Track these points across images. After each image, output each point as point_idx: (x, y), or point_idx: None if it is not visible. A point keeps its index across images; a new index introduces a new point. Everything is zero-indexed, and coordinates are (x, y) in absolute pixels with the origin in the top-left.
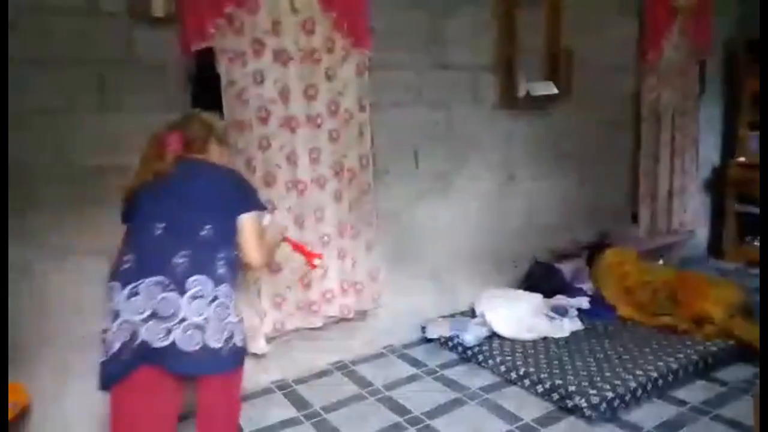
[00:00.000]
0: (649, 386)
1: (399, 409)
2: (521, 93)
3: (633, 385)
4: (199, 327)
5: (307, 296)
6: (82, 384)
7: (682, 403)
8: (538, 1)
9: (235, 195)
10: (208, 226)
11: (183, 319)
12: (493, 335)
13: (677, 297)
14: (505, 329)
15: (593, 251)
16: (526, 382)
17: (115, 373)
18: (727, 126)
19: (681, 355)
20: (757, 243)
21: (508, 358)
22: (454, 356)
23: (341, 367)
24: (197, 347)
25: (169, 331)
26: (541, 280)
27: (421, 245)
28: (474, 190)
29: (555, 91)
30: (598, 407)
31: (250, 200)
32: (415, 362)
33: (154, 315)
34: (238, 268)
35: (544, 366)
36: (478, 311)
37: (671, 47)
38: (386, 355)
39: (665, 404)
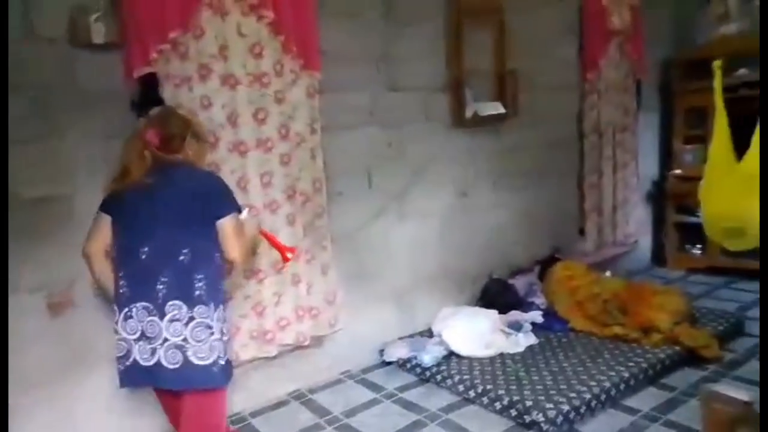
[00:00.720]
0: (603, 397)
1: None
2: (470, 113)
3: (587, 396)
4: (179, 347)
5: (261, 324)
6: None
7: (634, 411)
8: (484, 24)
9: (212, 201)
10: (185, 250)
11: (165, 340)
12: (451, 354)
13: (626, 307)
14: (462, 347)
15: (545, 266)
16: (485, 399)
17: (125, 379)
18: (663, 141)
19: (631, 364)
20: (695, 251)
21: (466, 376)
22: (412, 378)
23: (298, 396)
24: (178, 365)
25: (154, 351)
26: (496, 296)
27: (378, 266)
28: (429, 209)
29: (502, 110)
30: (555, 421)
31: (226, 204)
32: (373, 386)
33: (143, 336)
34: (221, 275)
35: (502, 382)
36: (435, 331)
37: (610, 67)
38: (344, 381)
39: (619, 413)
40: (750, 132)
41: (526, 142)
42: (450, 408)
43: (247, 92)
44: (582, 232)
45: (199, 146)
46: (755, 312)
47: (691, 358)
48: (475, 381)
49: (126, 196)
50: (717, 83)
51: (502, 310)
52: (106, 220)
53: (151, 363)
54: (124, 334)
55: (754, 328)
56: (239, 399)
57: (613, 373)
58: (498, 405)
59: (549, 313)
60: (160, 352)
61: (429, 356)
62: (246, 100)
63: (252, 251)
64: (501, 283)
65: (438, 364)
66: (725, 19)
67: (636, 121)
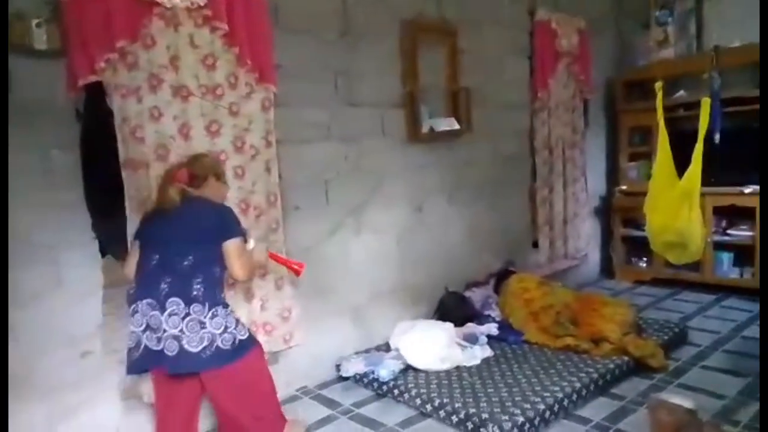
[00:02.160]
0: (556, 407)
1: None
2: (425, 129)
3: (542, 407)
4: (176, 337)
5: None
6: None
7: (586, 421)
8: (438, 42)
9: (220, 226)
10: (189, 257)
11: (164, 331)
12: (408, 368)
13: (577, 318)
14: (419, 361)
15: (500, 278)
16: (441, 413)
17: (132, 366)
18: (610, 157)
19: (583, 375)
20: (641, 264)
21: (423, 390)
22: (369, 393)
23: None
24: (175, 352)
25: (159, 340)
26: (452, 309)
27: (334, 281)
28: (385, 224)
29: (456, 126)
30: None
31: (232, 229)
32: (330, 403)
33: (148, 327)
34: (219, 285)
35: (458, 395)
36: (392, 345)
37: (559, 86)
38: (300, 398)
39: (571, 423)
40: (688, 149)
41: (479, 158)
42: (407, 423)
43: (199, 104)
44: (535, 244)
45: (219, 185)
46: (697, 321)
47: (639, 367)
48: (432, 395)
49: (153, 220)
50: (658, 103)
51: (459, 323)
52: (136, 244)
53: (159, 348)
54: (133, 328)
55: (697, 337)
56: None
57: (565, 384)
58: (455, 418)
59: (504, 325)
60: (163, 342)
61: (386, 370)
62: (199, 111)
63: (255, 271)
64: (457, 296)
65: (395, 378)
66: (664, 44)
67: (584, 139)
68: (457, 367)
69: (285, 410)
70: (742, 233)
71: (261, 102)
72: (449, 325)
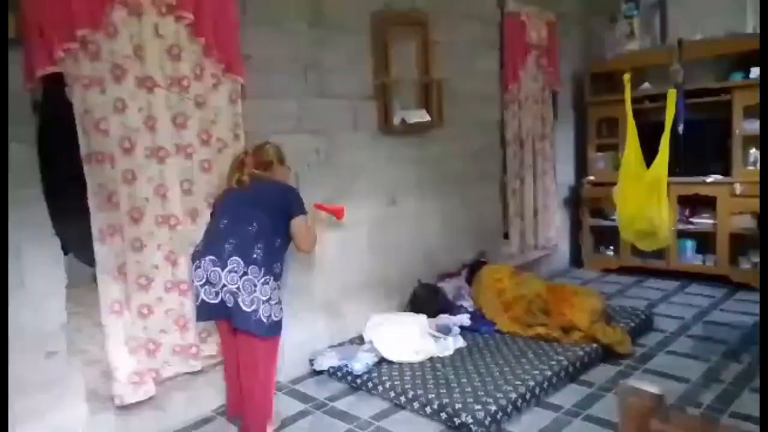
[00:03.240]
0: (528, 395)
1: None
2: (397, 121)
3: (514, 396)
4: (233, 293)
5: (185, 338)
6: None
7: (557, 407)
8: (409, 34)
9: (287, 203)
10: (254, 223)
11: (224, 285)
12: (382, 360)
13: (548, 307)
14: (392, 354)
15: (472, 269)
16: (416, 404)
17: (197, 316)
18: (578, 149)
19: (553, 362)
20: (609, 253)
21: (397, 382)
22: (344, 386)
23: (224, 411)
24: (232, 305)
25: (216, 294)
26: (425, 301)
27: (307, 275)
28: (358, 217)
29: (428, 118)
30: (483, 422)
31: (297, 207)
32: (303, 397)
33: (207, 282)
34: (278, 254)
35: (432, 386)
36: (365, 338)
37: (529, 79)
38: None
39: (543, 411)
40: (653, 140)
41: (451, 150)
42: (382, 415)
43: (165, 96)
44: (506, 236)
45: (282, 169)
46: (662, 308)
47: (607, 354)
48: (406, 386)
49: (225, 196)
50: (627, 94)
51: (432, 315)
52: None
53: (216, 301)
54: (195, 282)
55: (662, 323)
56: (160, 418)
57: (537, 372)
58: (428, 409)
59: (476, 315)
60: (221, 295)
61: (360, 364)
62: (164, 103)
63: (314, 242)
64: (430, 287)
65: (369, 371)
66: (630, 37)
67: (553, 131)
68: (431, 359)
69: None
70: (705, 221)
71: (228, 94)
72: (422, 317)
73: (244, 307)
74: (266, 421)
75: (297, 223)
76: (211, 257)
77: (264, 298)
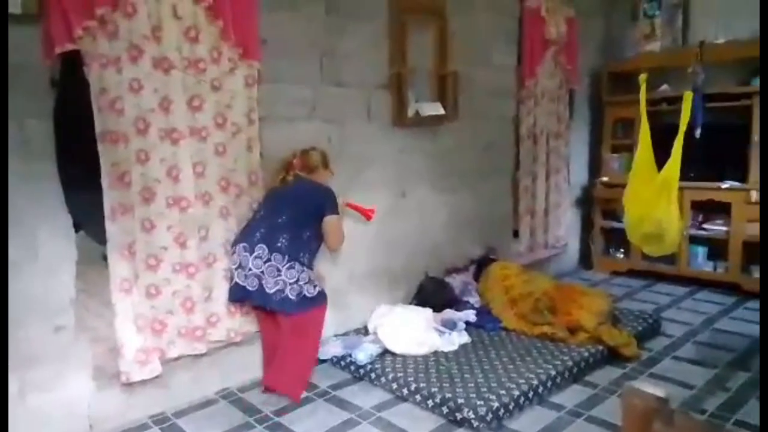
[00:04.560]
0: (531, 394)
1: None
2: (411, 112)
3: (516, 393)
4: (257, 276)
5: (191, 321)
6: None
7: (559, 407)
8: (426, 24)
9: (322, 202)
10: (284, 216)
11: (249, 269)
12: (386, 352)
13: (555, 306)
14: (396, 345)
15: (480, 265)
16: (418, 397)
17: (229, 295)
18: (592, 149)
19: (558, 362)
20: (618, 255)
21: (400, 374)
22: (347, 375)
23: (228, 394)
24: (255, 288)
25: (246, 277)
26: (431, 294)
27: (316, 263)
28: (368, 207)
29: (442, 112)
30: (485, 418)
31: (331, 207)
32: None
33: (240, 266)
34: (305, 245)
35: (435, 380)
36: (370, 328)
37: (546, 75)
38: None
39: (545, 410)
40: (670, 143)
41: (464, 144)
42: (383, 406)
43: (181, 77)
44: (516, 233)
45: (325, 172)
46: (670, 313)
47: (612, 356)
48: (409, 379)
49: (270, 193)
50: (642, 94)
51: (437, 309)
52: None
53: (245, 284)
54: (230, 265)
55: (670, 328)
56: (164, 398)
57: (540, 371)
58: (431, 402)
59: (482, 312)
60: (248, 279)
61: (363, 354)
62: (180, 85)
63: (342, 241)
64: (437, 281)
65: (372, 362)
66: (651, 37)
67: (568, 129)
68: (435, 352)
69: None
70: (718, 228)
71: (244, 78)
72: (428, 311)
73: (267, 290)
74: (297, 387)
75: (328, 221)
76: (244, 244)
77: (291, 281)
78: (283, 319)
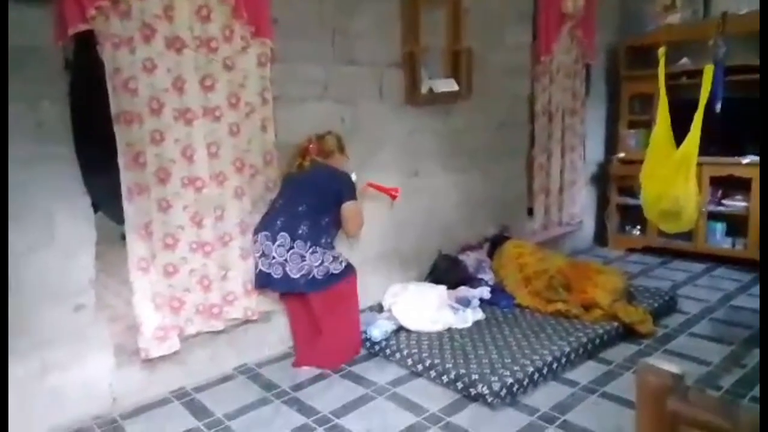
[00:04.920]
0: (545, 370)
1: (306, 410)
2: (424, 89)
3: (530, 369)
4: (281, 264)
5: (208, 299)
6: None
7: (573, 383)
8: (440, 2)
9: (339, 189)
10: (304, 205)
11: (273, 258)
12: (401, 329)
13: (570, 284)
14: (411, 322)
15: (494, 243)
16: (432, 373)
17: (255, 283)
18: (609, 125)
19: (572, 339)
20: (635, 232)
21: (415, 350)
22: (362, 352)
23: (246, 370)
24: (280, 276)
25: (270, 265)
26: (445, 272)
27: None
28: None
29: (456, 88)
30: (499, 393)
31: (348, 193)
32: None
33: (263, 254)
34: (325, 230)
35: (449, 356)
36: (385, 306)
37: (562, 51)
38: (293, 356)
39: (559, 385)
40: (689, 118)
41: (477, 123)
42: (398, 381)
43: (194, 57)
44: (530, 211)
45: (341, 157)
46: (687, 290)
47: (628, 333)
48: (423, 355)
49: (288, 179)
50: (661, 68)
51: (451, 286)
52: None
53: (269, 271)
54: (254, 253)
55: (686, 305)
56: (183, 374)
57: (555, 348)
58: (445, 378)
59: (496, 289)
60: (272, 267)
61: (378, 330)
62: (193, 65)
63: (361, 225)
64: (450, 259)
65: (387, 338)
66: (671, 9)
67: (584, 106)
68: (449, 329)
69: (278, 368)
70: (737, 203)
71: (257, 57)
72: (442, 288)
73: (291, 275)
74: (336, 359)
75: (347, 207)
76: (265, 233)
77: (316, 264)
78: (314, 300)
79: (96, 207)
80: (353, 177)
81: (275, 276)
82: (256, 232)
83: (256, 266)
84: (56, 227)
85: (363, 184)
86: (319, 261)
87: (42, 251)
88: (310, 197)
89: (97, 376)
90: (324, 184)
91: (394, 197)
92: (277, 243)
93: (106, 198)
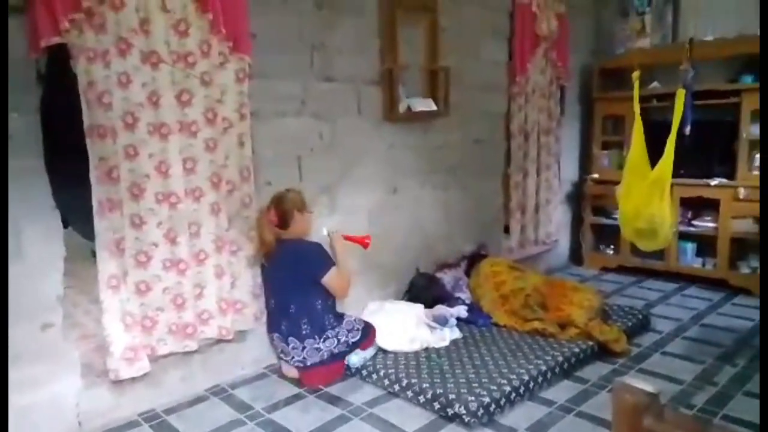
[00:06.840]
0: (522, 389)
1: (281, 431)
2: (402, 108)
3: (507, 389)
4: (302, 360)
5: (182, 317)
6: None
7: (550, 402)
8: (418, 20)
9: (313, 267)
10: (292, 306)
11: (292, 357)
12: (377, 349)
13: (546, 302)
14: (388, 342)
15: (471, 261)
16: (409, 393)
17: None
18: (583, 145)
19: (548, 357)
20: (609, 251)
21: (391, 370)
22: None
23: (218, 391)
24: (307, 364)
25: (293, 359)
26: (423, 290)
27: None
28: (359, 203)
29: (434, 108)
30: (476, 413)
31: (322, 267)
32: (298, 381)
33: (282, 351)
34: (323, 312)
35: (426, 376)
36: None
37: (537, 72)
38: (268, 376)
39: (536, 405)
40: (659, 140)
41: (455, 140)
42: (374, 402)
43: (170, 72)
44: (507, 229)
45: (303, 217)
46: (659, 309)
47: (602, 351)
48: (400, 375)
49: (266, 265)
50: (635, 92)
51: (429, 304)
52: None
53: (295, 364)
54: (275, 350)
55: (659, 324)
56: (154, 395)
57: (531, 367)
58: (422, 398)
59: (474, 307)
60: (295, 360)
61: (357, 357)
62: (169, 79)
63: (348, 284)
64: (428, 277)
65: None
66: (641, 33)
67: (559, 126)
68: (426, 348)
69: (253, 388)
70: (707, 224)
71: (235, 73)
72: (419, 306)
73: (312, 361)
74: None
75: (327, 280)
76: (277, 334)
77: (333, 346)
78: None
79: (66, 222)
80: (324, 232)
81: (302, 366)
82: (269, 332)
83: (280, 358)
84: (24, 242)
85: (338, 233)
86: (335, 342)
87: (10, 268)
88: (293, 292)
89: (65, 396)
90: (296, 268)
91: (366, 245)
92: (291, 345)
93: (76, 213)
